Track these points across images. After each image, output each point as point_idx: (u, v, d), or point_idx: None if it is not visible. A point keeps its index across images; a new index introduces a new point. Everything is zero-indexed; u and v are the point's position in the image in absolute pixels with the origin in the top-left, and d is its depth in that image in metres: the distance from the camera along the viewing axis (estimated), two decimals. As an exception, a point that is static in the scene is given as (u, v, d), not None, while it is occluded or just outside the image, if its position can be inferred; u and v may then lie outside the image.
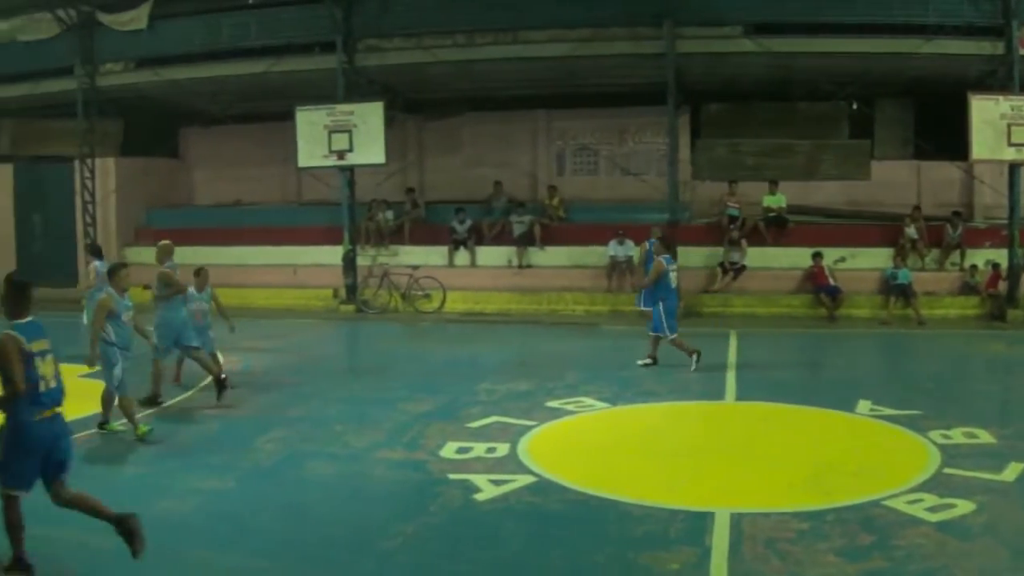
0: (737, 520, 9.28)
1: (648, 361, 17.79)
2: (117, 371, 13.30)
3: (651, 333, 17.91)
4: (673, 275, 18.00)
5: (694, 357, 17.34)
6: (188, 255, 24.58)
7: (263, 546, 9.20)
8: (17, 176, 33.15)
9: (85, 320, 18.63)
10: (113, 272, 13.61)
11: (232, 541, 9.36)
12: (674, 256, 19.53)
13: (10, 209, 32.99)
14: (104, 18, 28.92)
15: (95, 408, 13.90)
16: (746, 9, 23.86)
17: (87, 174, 30.47)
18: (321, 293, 26.72)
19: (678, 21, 23.58)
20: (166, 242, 17.48)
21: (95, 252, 21.07)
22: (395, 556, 8.78)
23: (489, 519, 9.71)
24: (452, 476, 11.01)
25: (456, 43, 25.35)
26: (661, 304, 17.67)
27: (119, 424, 13.66)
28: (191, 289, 15.11)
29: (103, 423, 13.67)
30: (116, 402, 13.45)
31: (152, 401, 15.26)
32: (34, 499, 10.59)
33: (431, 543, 9.11)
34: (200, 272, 17.10)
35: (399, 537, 9.17)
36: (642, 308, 19.95)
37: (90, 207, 30.47)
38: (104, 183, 31.13)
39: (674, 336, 17.66)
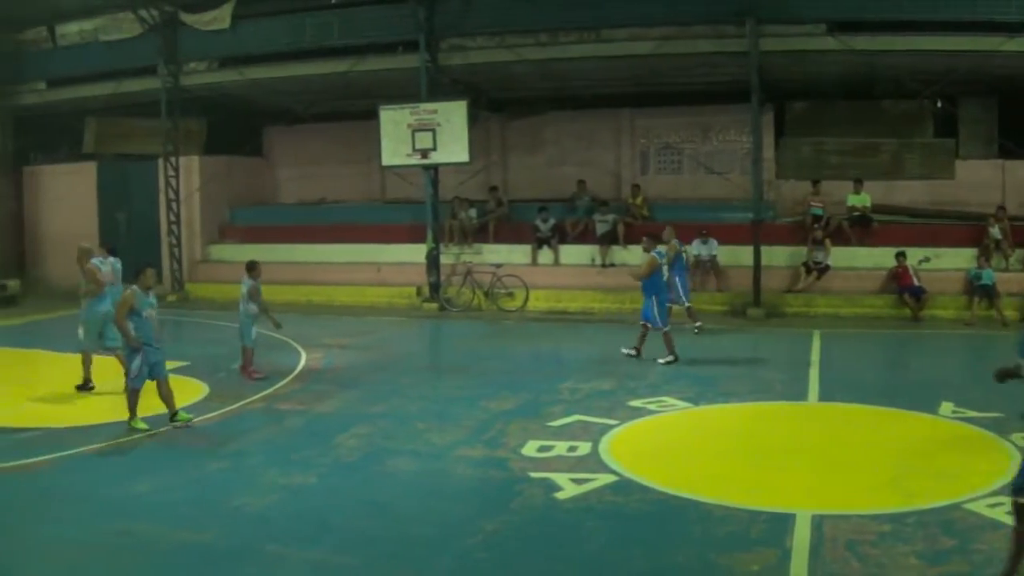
0: (818, 522, 9.25)
1: (632, 352, 18.53)
2: (136, 364, 13.69)
3: (641, 321, 18.60)
4: (665, 269, 19.08)
5: (671, 357, 17.89)
6: (272, 252, 24.91)
7: (342, 542, 9.32)
8: (101, 174, 33.58)
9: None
10: (139, 271, 13.97)
11: (312, 537, 9.48)
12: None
13: (94, 207, 33.37)
14: (187, 18, 29.20)
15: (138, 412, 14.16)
16: (829, 7, 23.53)
17: (171, 172, 30.77)
18: (404, 291, 26.81)
19: (760, 19, 23.30)
20: (86, 245, 17.72)
21: (111, 251, 21.46)
22: (474, 553, 8.86)
23: (569, 518, 9.73)
24: (533, 474, 11.05)
25: (539, 42, 25.30)
26: (654, 297, 18.33)
27: (185, 415, 14.01)
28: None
29: (173, 415, 13.94)
30: (128, 391, 13.89)
31: (84, 387, 16.23)
32: (117, 493, 10.87)
33: (511, 541, 9.17)
34: (253, 267, 17.31)
35: (479, 535, 9.25)
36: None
37: (174, 205, 30.81)
38: (188, 181, 31.42)
39: (667, 329, 18.19)
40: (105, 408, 14.85)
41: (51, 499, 11.10)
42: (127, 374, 14.01)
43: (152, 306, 13.92)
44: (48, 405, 15.60)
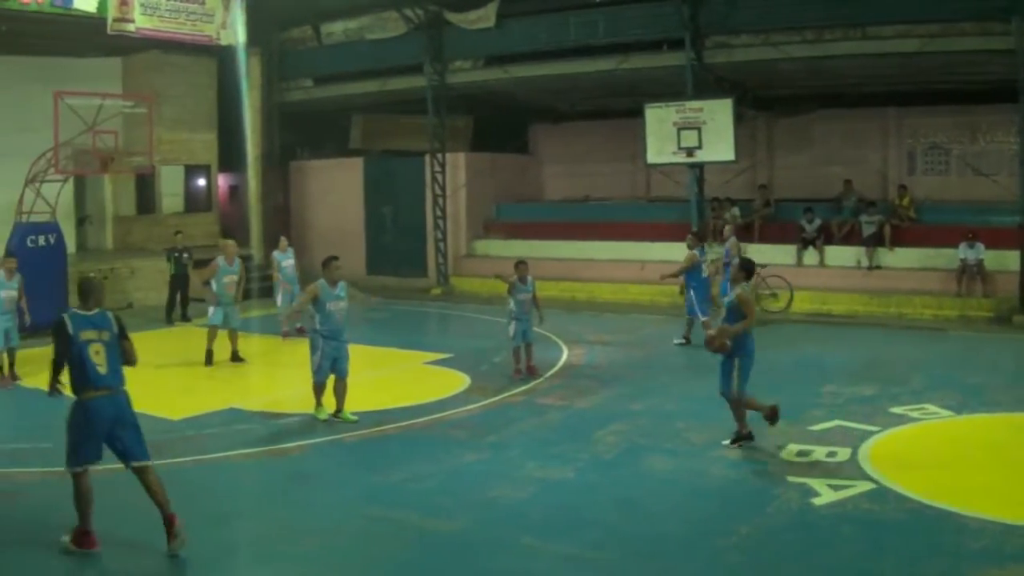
0: (1078, 541, 8.99)
1: (682, 341, 20.70)
2: (317, 357, 14.12)
3: (688, 315, 20.84)
4: (704, 266, 20.93)
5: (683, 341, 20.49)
6: (535, 248, 25.30)
7: (595, 537, 9.48)
8: (367, 169, 34.67)
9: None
10: (326, 264, 14.39)
11: (565, 530, 9.67)
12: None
13: (360, 202, 34.56)
14: (451, 17, 29.85)
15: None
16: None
17: (437, 168, 31.45)
18: (667, 289, 26.68)
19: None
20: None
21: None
22: (726, 556, 8.92)
23: (825, 524, 9.70)
24: (791, 479, 11.04)
25: (804, 39, 24.88)
26: (693, 291, 20.57)
27: (351, 416, 14.36)
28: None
29: (338, 412, 14.43)
30: (315, 388, 14.30)
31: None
32: (373, 480, 11.31)
33: (764, 545, 9.20)
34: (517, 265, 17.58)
35: (733, 537, 9.31)
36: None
37: (440, 200, 31.50)
38: (454, 177, 32.09)
39: (705, 319, 19.77)
40: (364, 397, 15.36)
41: (307, 484, 11.70)
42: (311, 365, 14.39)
43: (339, 299, 14.26)
44: (309, 392, 16.27)
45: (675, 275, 21.07)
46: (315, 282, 14.33)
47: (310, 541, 9.63)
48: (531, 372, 17.29)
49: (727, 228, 23.41)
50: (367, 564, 9.20)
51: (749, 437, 12.55)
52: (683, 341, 20.73)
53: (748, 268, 13.33)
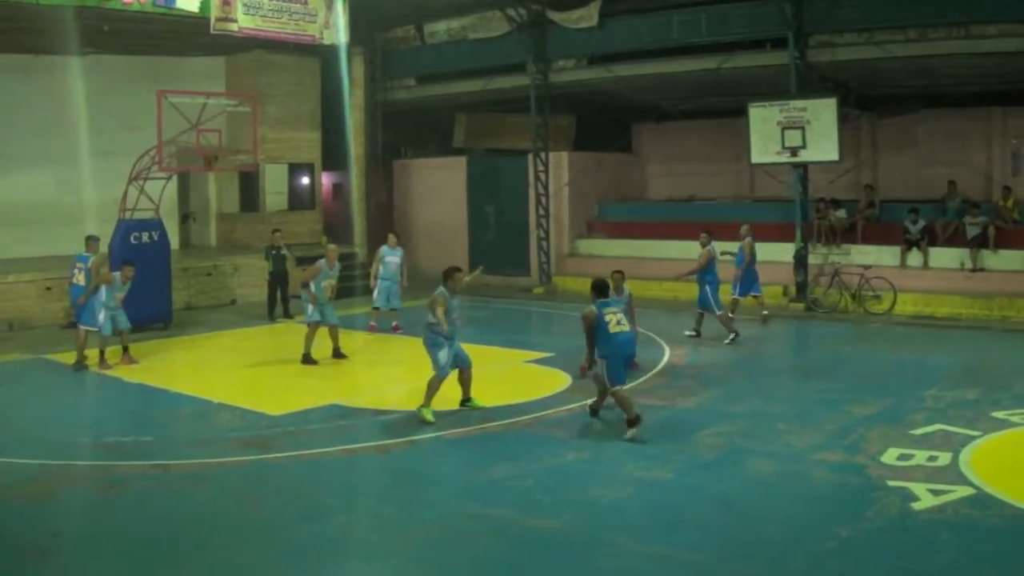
0: None
1: (692, 333, 21.73)
2: (443, 354, 14.48)
3: (699, 309, 21.85)
4: (716, 262, 21.81)
5: (733, 335, 21.03)
6: (639, 248, 25.33)
7: (693, 539, 9.54)
8: (471, 169, 34.83)
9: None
10: (448, 274, 14.71)
11: (662, 531, 9.74)
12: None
13: (464, 201, 34.74)
14: (554, 16, 29.93)
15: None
16: None
17: (540, 167, 31.53)
18: (770, 290, 26.50)
19: None
20: None
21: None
22: (826, 559, 8.92)
23: (924, 529, 9.66)
24: (891, 483, 10.98)
25: (907, 38, 24.58)
26: (708, 286, 21.41)
27: (478, 403, 14.97)
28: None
29: (465, 400, 15.09)
30: (434, 383, 14.55)
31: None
32: (474, 477, 11.47)
33: (863, 549, 9.18)
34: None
35: (832, 540, 9.31)
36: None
37: (543, 199, 31.59)
38: (557, 176, 32.17)
39: (720, 312, 21.33)
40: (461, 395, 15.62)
41: (408, 480, 11.90)
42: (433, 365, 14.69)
43: (456, 308, 14.79)
44: (412, 389, 16.37)
45: (692, 273, 21.95)
46: (439, 293, 14.55)
47: (410, 537, 9.80)
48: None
49: (744, 227, 23.49)
50: (466, 561, 9.30)
51: (637, 420, 13.28)
52: (693, 333, 21.76)
53: (598, 289, 14.46)
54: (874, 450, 12.35)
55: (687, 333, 21.72)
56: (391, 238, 23.59)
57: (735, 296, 22.88)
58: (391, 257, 22.95)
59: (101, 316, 18.73)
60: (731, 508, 10.44)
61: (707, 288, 21.46)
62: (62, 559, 9.42)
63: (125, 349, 19.29)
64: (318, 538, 9.72)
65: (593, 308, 14.06)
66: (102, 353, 18.86)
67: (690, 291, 25.68)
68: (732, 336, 21.04)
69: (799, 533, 9.63)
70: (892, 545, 9.28)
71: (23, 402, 16.45)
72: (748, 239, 22.91)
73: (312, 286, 19.10)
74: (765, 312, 24.01)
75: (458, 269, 14.92)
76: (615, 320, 13.89)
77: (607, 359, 13.77)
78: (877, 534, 9.57)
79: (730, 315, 21.79)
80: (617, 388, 13.62)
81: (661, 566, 8.96)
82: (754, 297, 23.51)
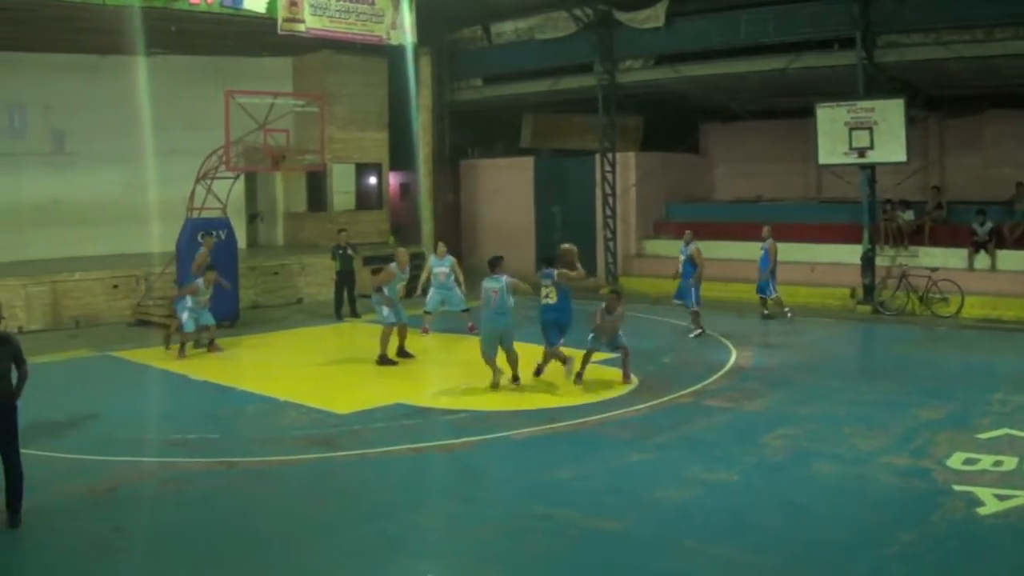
0: None
1: (698, 332, 22.14)
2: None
3: (676, 301, 22.97)
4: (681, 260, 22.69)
5: (699, 331, 22.04)
6: (706, 249, 25.13)
7: (757, 541, 9.55)
8: (538, 169, 34.97)
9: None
10: (496, 263, 16.79)
11: (726, 533, 9.76)
12: None
13: (531, 201, 34.87)
14: (621, 16, 29.90)
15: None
16: None
17: (607, 168, 31.51)
18: (837, 292, 26.50)
19: None
20: None
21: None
22: (889, 564, 8.91)
23: (989, 534, 9.63)
24: (956, 487, 10.93)
25: (974, 38, 24.37)
26: (687, 280, 22.31)
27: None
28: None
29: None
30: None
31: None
32: (539, 477, 11.55)
33: (927, 554, 9.17)
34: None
35: (896, 545, 9.30)
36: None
37: (610, 200, 31.57)
38: (624, 177, 32.13)
39: (696, 309, 22.25)
40: (533, 395, 15.81)
41: (473, 480, 12.00)
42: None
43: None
44: (479, 389, 16.61)
45: (701, 274, 22.65)
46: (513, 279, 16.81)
47: (474, 536, 9.89)
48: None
49: (765, 229, 24.17)
50: (529, 560, 9.38)
51: (566, 361, 16.68)
52: (699, 331, 22.16)
53: (548, 260, 17.51)
54: (940, 454, 12.30)
55: (693, 335, 22.07)
56: (440, 247, 23.45)
57: (775, 295, 24.29)
58: (439, 268, 22.70)
59: (185, 316, 19.65)
60: (796, 511, 10.45)
61: (689, 282, 22.28)
62: (124, 553, 9.61)
63: (211, 341, 20.64)
64: (382, 537, 9.85)
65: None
66: (182, 345, 19.68)
67: (749, 292, 25.72)
68: (698, 332, 22.03)
69: (863, 537, 9.61)
70: (956, 550, 9.26)
71: (89, 399, 16.64)
72: (771, 240, 23.79)
73: (386, 290, 19.29)
74: (766, 312, 24.61)
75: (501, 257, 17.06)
76: (544, 293, 17.09)
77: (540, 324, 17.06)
78: (941, 539, 9.55)
79: (786, 312, 23.68)
80: (550, 349, 16.88)
81: (726, 568, 8.99)
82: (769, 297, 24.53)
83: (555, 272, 17.12)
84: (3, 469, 10.30)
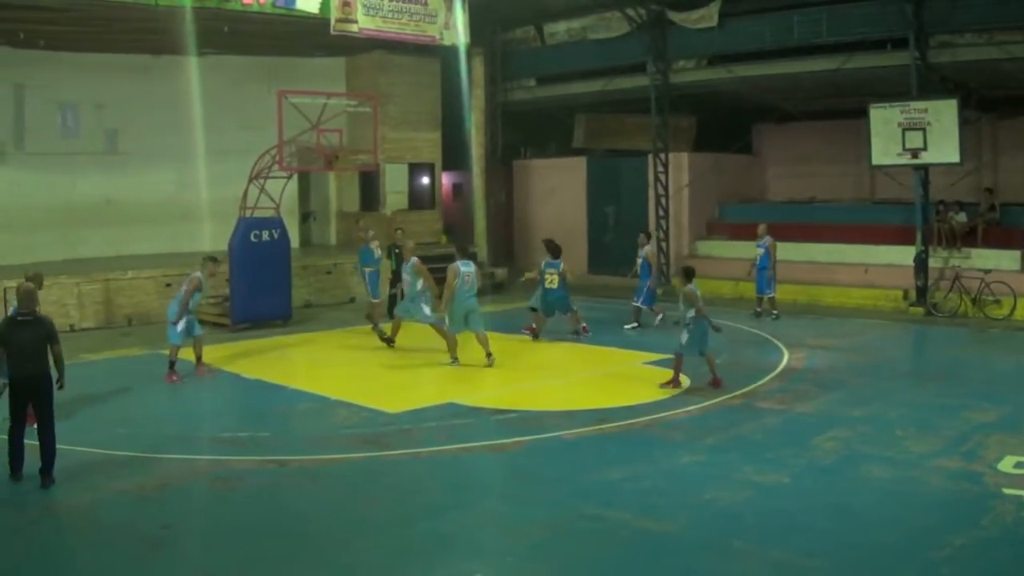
0: None
1: (659, 320, 23.68)
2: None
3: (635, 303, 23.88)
4: (638, 262, 24.46)
5: (635, 324, 23.56)
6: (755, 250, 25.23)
7: (808, 544, 9.56)
8: (590, 169, 35.05)
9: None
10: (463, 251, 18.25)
11: (779, 536, 9.77)
12: None
13: (583, 201, 34.98)
14: (674, 16, 29.93)
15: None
16: None
17: (660, 168, 31.50)
18: (890, 294, 26.39)
19: None
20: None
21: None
22: (939, 568, 8.90)
23: (1040, 538, 9.59)
24: (1007, 491, 10.91)
25: (1029, 39, 24.39)
26: (645, 280, 23.94)
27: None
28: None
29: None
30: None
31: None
32: (590, 478, 11.62)
33: (978, 558, 9.15)
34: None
35: (947, 549, 9.29)
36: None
37: (663, 200, 31.55)
38: (677, 177, 32.08)
39: (637, 303, 23.75)
40: (585, 396, 15.90)
41: (524, 480, 12.05)
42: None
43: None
44: (531, 389, 16.78)
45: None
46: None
47: (524, 536, 9.95)
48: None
49: (761, 227, 24.67)
50: (579, 561, 9.42)
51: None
52: (659, 320, 23.68)
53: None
54: (991, 457, 12.26)
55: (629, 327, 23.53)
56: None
57: (771, 295, 24.75)
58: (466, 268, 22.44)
59: (181, 324, 17.79)
60: (847, 514, 10.43)
61: (646, 282, 23.84)
62: (174, 551, 9.75)
63: (199, 359, 18.53)
64: (431, 536, 9.94)
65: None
66: (199, 358, 18.53)
67: (809, 295, 25.66)
68: (634, 325, 23.53)
69: (914, 540, 9.62)
70: (1007, 554, 9.26)
71: (140, 397, 16.83)
72: (769, 237, 24.38)
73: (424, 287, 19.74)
74: (759, 310, 25.02)
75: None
76: (547, 279, 21.44)
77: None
78: (992, 543, 9.53)
79: (774, 312, 24.61)
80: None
81: (776, 571, 9.03)
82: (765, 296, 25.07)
83: (561, 264, 21.42)
84: (39, 440, 11.02)
